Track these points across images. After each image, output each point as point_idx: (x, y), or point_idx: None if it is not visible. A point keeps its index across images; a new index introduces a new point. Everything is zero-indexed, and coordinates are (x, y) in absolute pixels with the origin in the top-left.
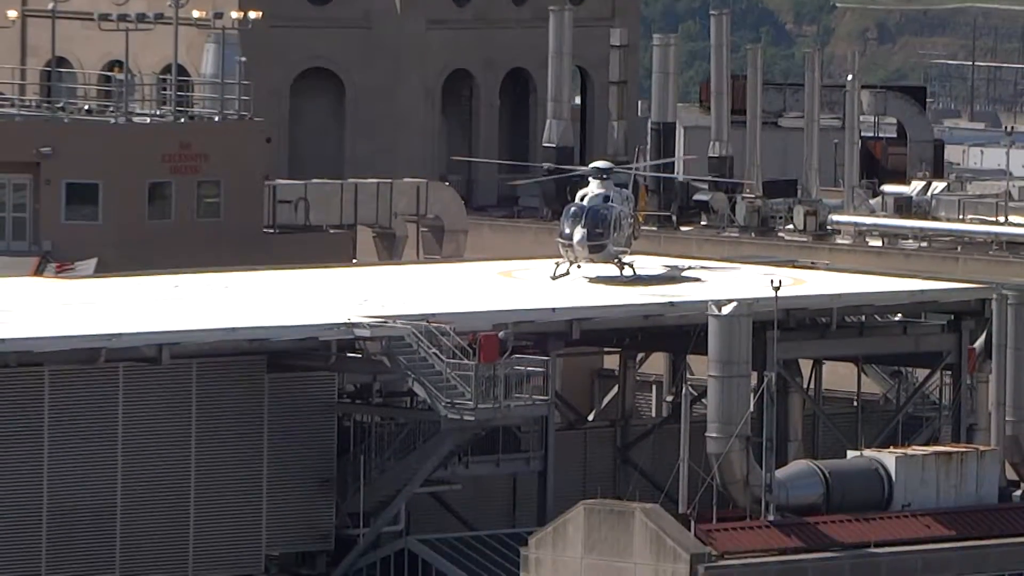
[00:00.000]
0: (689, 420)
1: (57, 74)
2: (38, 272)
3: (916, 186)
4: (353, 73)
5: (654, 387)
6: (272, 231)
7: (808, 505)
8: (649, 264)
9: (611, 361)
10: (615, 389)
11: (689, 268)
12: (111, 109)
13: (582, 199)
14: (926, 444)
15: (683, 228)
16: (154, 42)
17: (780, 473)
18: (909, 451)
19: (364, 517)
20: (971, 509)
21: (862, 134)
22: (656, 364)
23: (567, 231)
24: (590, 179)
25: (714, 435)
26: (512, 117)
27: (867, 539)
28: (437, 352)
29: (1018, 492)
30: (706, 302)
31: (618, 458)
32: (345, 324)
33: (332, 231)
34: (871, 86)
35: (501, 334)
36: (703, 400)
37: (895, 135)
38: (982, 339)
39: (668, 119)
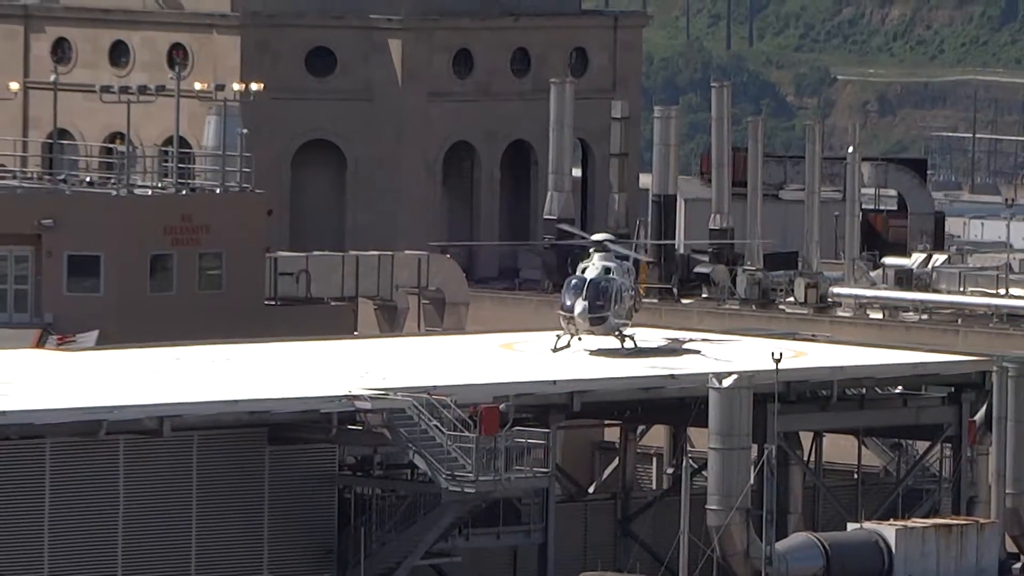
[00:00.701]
0: (689, 492)
1: (59, 146)
2: (40, 344)
3: (917, 258)
4: (354, 145)
5: (654, 459)
6: (273, 303)
7: None
8: (650, 336)
9: (612, 433)
10: (616, 461)
11: (690, 340)
12: (113, 181)
13: (583, 271)
14: (926, 516)
15: (684, 300)
16: (156, 114)
17: (780, 545)
18: (909, 523)
19: None
20: None
21: (863, 206)
22: (657, 436)
23: (568, 303)
24: (591, 251)
25: (714, 507)
26: (513, 189)
27: None
28: (438, 424)
29: (1018, 565)
30: (707, 375)
31: (619, 530)
32: (346, 396)
33: (333, 303)
34: (872, 158)
35: (502, 406)
36: (703, 472)
37: (896, 207)
38: (982, 411)
39: (669, 191)
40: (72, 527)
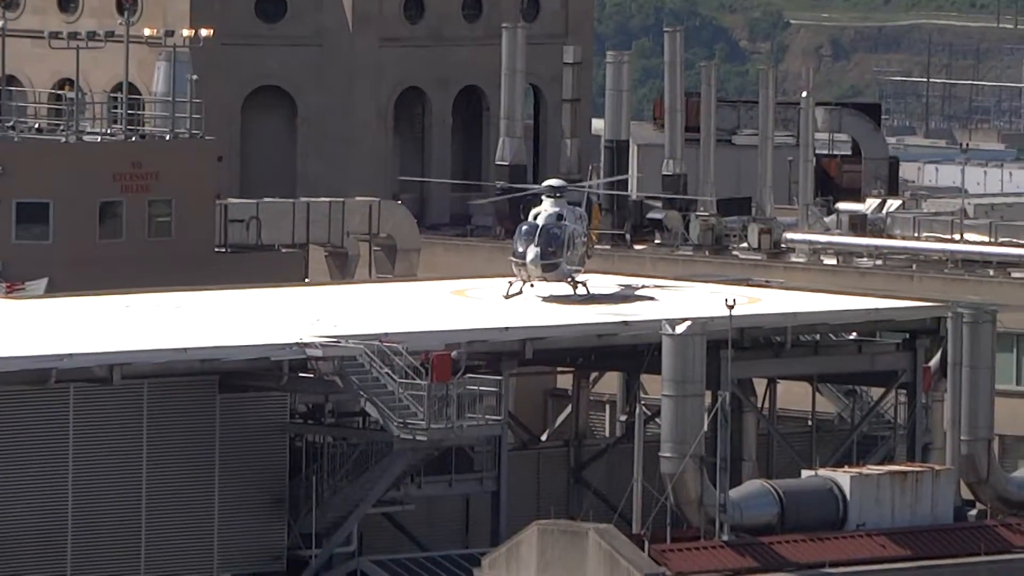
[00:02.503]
0: (643, 440)
1: (7, 92)
2: None
3: (871, 204)
4: (305, 91)
5: (608, 407)
6: (224, 250)
7: (762, 525)
8: (603, 283)
9: (564, 381)
10: (568, 409)
11: (643, 287)
12: (62, 128)
13: (535, 218)
14: (881, 463)
15: (637, 247)
16: (105, 60)
17: (734, 493)
18: (864, 470)
19: (316, 538)
20: (926, 529)
21: (816, 151)
22: (610, 384)
23: (520, 250)
24: (543, 197)
25: (668, 455)
26: (465, 135)
27: (822, 559)
28: (390, 372)
29: (973, 511)
30: (660, 321)
31: (571, 478)
32: (297, 344)
33: (284, 250)
34: (825, 103)
35: (454, 354)
36: (657, 420)
37: (850, 152)
38: (937, 358)
39: (621, 137)
40: (21, 476)
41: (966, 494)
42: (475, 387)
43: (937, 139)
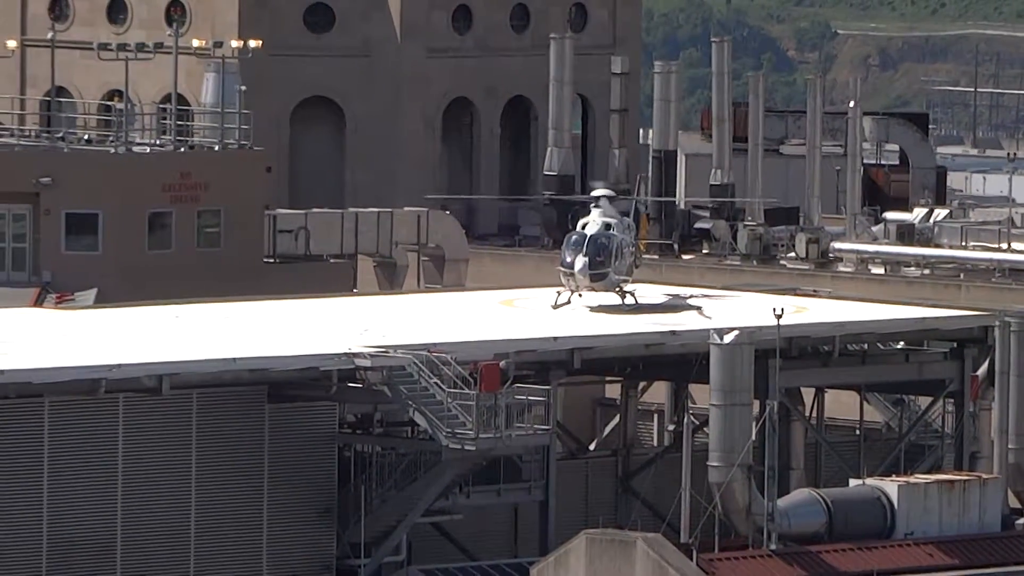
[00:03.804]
0: (691, 449)
1: (57, 104)
2: (38, 303)
3: (918, 213)
4: (353, 102)
5: (656, 416)
6: (272, 261)
7: (810, 534)
8: (651, 293)
9: (612, 390)
10: (617, 418)
11: (691, 296)
12: (111, 139)
13: (583, 227)
14: (929, 472)
15: (685, 256)
16: (154, 71)
17: (782, 502)
18: (912, 479)
19: (365, 547)
20: (974, 537)
21: (864, 161)
22: (658, 393)
23: (568, 260)
24: (592, 207)
25: (716, 464)
26: (513, 145)
27: (869, 568)
28: (438, 382)
29: (1021, 520)
30: (708, 331)
31: (620, 487)
32: (346, 354)
33: (333, 261)
34: (873, 113)
35: (502, 363)
36: (705, 429)
37: (897, 162)
38: (985, 366)
39: (669, 147)
40: (71, 486)
41: (1014, 503)
42: (523, 397)
43: (985, 148)
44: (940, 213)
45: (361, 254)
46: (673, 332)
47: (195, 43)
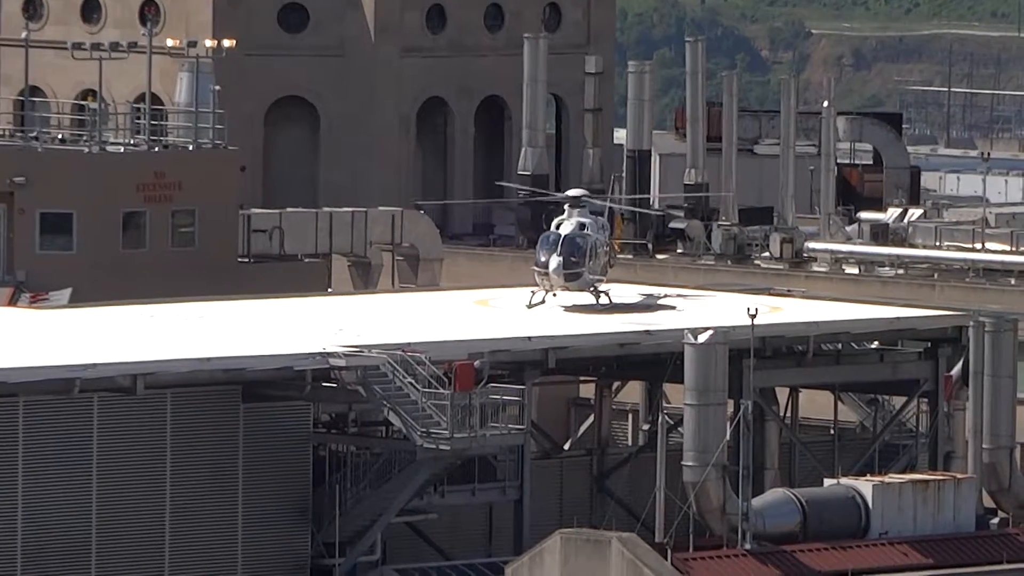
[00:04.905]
0: (665, 449)
1: (30, 103)
2: (12, 302)
3: (892, 213)
4: (327, 101)
5: (630, 416)
6: (247, 260)
7: (785, 533)
8: (625, 292)
9: (587, 390)
10: (591, 418)
11: (665, 296)
12: (85, 138)
13: (558, 227)
14: (903, 472)
15: (659, 256)
16: (128, 71)
17: (757, 501)
18: (886, 479)
19: (340, 547)
20: (948, 537)
21: (838, 161)
22: (632, 393)
23: (543, 259)
24: (566, 207)
25: (690, 463)
26: (487, 145)
27: (844, 567)
28: (412, 381)
29: (995, 520)
30: (682, 330)
31: (594, 487)
32: (320, 354)
33: (307, 260)
34: (847, 112)
35: (477, 363)
36: (679, 429)
37: (871, 162)
38: (959, 366)
39: (643, 146)
40: (45, 486)
41: (988, 502)
42: (498, 396)
43: (958, 148)
44: (914, 213)
45: (335, 254)
46: (647, 332)
47: (169, 42)
